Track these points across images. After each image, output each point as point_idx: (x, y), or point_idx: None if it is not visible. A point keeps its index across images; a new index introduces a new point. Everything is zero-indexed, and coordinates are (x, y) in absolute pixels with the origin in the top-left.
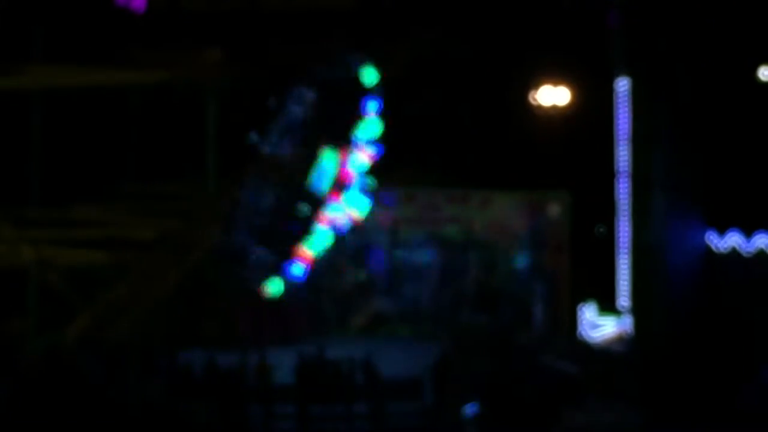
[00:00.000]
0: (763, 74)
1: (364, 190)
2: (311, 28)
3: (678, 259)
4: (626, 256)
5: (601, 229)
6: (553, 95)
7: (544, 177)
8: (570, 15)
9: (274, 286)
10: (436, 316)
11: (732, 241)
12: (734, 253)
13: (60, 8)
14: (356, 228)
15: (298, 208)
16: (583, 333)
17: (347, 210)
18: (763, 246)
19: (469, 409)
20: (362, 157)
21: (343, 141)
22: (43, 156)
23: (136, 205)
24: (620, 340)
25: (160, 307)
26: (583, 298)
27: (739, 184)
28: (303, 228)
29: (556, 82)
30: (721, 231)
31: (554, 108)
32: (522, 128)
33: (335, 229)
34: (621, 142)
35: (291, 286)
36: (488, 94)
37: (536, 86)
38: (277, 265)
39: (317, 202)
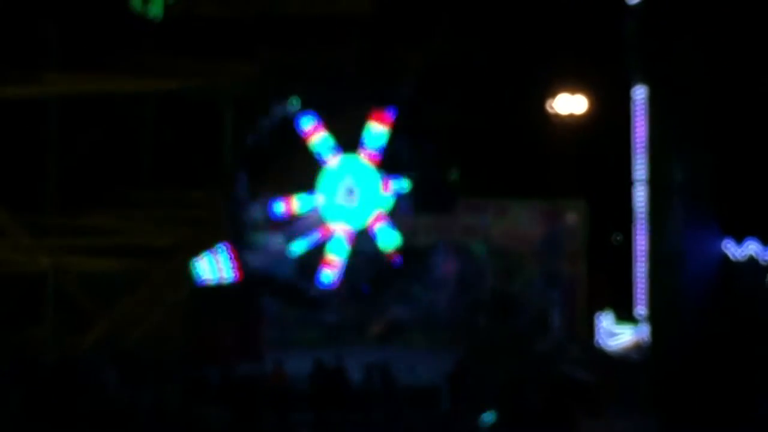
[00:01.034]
0: None
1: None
2: (327, 33)
3: (695, 267)
4: (643, 265)
5: (618, 238)
6: (570, 103)
7: (561, 185)
8: (587, 23)
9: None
10: (452, 324)
11: (749, 249)
12: (752, 262)
13: (76, 16)
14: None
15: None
16: (600, 341)
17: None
18: None
19: (486, 417)
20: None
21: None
22: (60, 164)
23: (152, 213)
24: (637, 348)
25: (176, 314)
26: (600, 306)
27: (757, 193)
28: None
29: (573, 91)
30: (739, 239)
31: (571, 116)
32: (539, 136)
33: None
34: (638, 150)
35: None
36: (505, 103)
37: (553, 95)
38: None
39: None
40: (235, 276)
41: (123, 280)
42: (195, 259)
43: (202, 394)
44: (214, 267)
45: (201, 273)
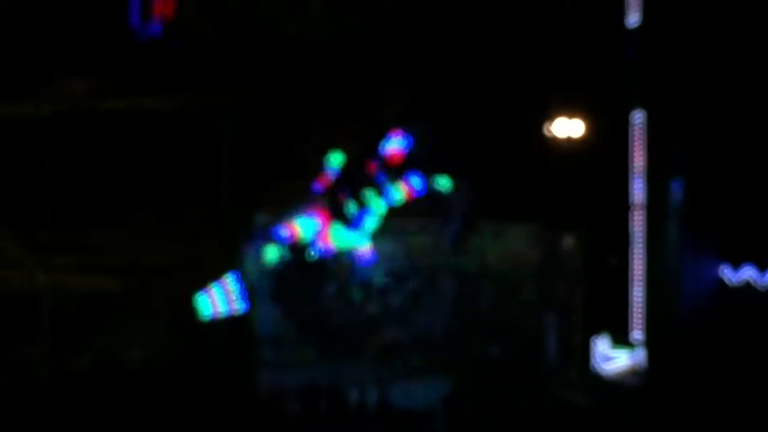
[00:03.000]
0: None
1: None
2: (326, 55)
3: (692, 292)
4: (640, 289)
5: (614, 261)
6: (568, 127)
7: (558, 208)
8: (585, 47)
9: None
10: (448, 347)
11: (746, 274)
12: (748, 287)
13: (74, 33)
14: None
15: None
16: (595, 365)
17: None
18: None
19: None
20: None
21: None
22: (57, 180)
23: (150, 231)
24: (633, 372)
25: (174, 333)
26: (596, 330)
27: (754, 218)
28: None
29: (571, 114)
30: (735, 265)
31: (569, 140)
32: (536, 160)
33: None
34: (636, 175)
35: None
36: (502, 126)
37: (551, 118)
38: None
39: None
40: (246, 306)
41: (123, 299)
42: (201, 293)
43: (198, 414)
44: (224, 298)
45: (209, 306)
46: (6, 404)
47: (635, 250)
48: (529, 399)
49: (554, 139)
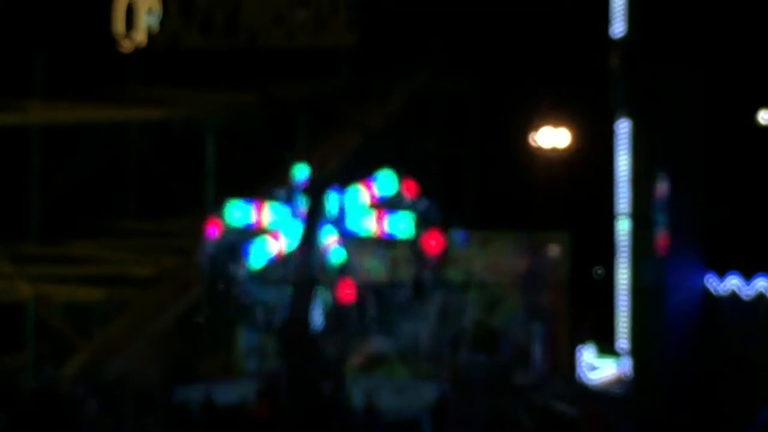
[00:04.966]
0: (763, 118)
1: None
2: (311, 64)
3: (677, 301)
4: (626, 298)
5: (600, 271)
6: (553, 137)
7: (544, 218)
8: (570, 57)
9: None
10: (434, 356)
11: (731, 284)
12: (734, 296)
13: (60, 44)
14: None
15: None
16: (581, 374)
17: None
18: (762, 289)
19: None
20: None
21: None
22: (42, 192)
23: (135, 242)
24: (619, 382)
25: (158, 344)
26: (582, 339)
27: (739, 227)
28: None
29: (556, 124)
30: (721, 274)
31: (554, 150)
32: (522, 169)
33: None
34: (621, 184)
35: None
36: (488, 135)
37: (536, 128)
38: None
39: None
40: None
41: (107, 309)
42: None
43: (183, 424)
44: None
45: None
46: None
47: (621, 260)
48: (515, 408)
49: (540, 149)
